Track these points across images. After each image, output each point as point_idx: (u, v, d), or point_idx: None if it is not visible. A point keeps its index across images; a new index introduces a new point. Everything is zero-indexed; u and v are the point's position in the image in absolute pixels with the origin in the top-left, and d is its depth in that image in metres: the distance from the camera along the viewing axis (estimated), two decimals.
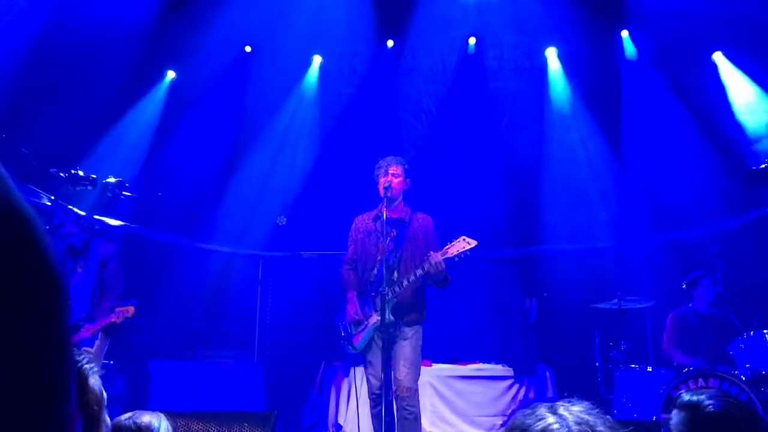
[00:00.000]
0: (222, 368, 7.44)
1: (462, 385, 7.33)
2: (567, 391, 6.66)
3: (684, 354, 5.91)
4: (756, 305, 5.68)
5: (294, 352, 8.20)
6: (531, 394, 7.30)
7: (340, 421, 7.22)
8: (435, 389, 7.14)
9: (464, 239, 4.85)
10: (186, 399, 6.83)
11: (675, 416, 1.94)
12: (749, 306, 5.89)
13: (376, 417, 5.08)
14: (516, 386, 7.33)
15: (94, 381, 1.60)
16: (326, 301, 6.86)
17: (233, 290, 8.34)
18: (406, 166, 5.26)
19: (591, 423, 1.21)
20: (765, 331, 5.26)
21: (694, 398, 1.97)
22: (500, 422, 7.20)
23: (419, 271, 4.86)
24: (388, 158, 5.25)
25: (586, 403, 1.29)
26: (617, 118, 8.01)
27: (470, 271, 8.12)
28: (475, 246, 4.79)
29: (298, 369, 7.97)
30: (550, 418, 1.22)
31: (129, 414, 2.36)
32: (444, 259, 4.81)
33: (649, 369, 5.71)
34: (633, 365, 5.86)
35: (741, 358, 5.34)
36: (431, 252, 4.84)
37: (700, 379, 5.22)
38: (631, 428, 1.32)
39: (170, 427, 2.39)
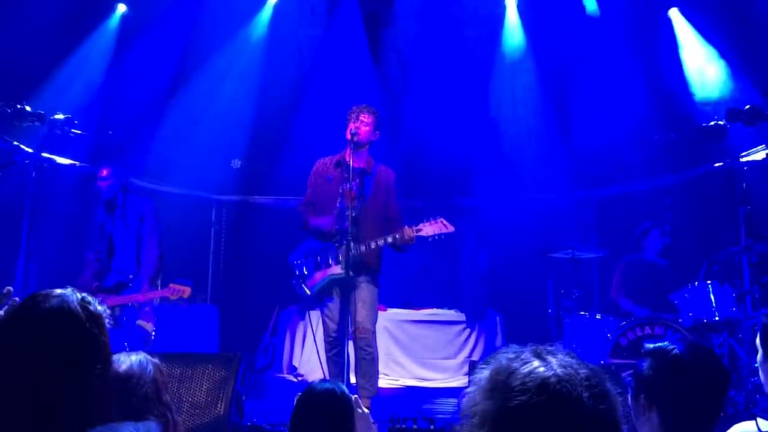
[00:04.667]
0: (175, 310, 7.39)
1: (415, 328, 7.53)
2: (516, 336, 6.88)
3: (632, 302, 6.17)
4: (702, 257, 5.91)
5: (248, 295, 8.21)
6: (481, 338, 7.54)
7: (295, 364, 7.34)
8: (389, 332, 7.30)
9: (442, 222, 4.95)
10: (140, 341, 6.77)
11: (641, 364, 2.04)
12: (695, 257, 6.15)
13: (331, 360, 5.16)
14: (467, 330, 7.56)
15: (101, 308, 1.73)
16: (280, 245, 6.83)
17: (186, 232, 8.21)
18: (378, 116, 5.18)
19: (575, 366, 1.25)
20: (708, 282, 5.52)
21: (659, 344, 2.08)
22: (448, 365, 7.42)
23: (389, 239, 4.92)
24: (362, 105, 5.17)
25: (565, 349, 1.33)
26: (570, 70, 8.05)
27: (424, 219, 8.18)
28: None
29: (251, 312, 7.99)
30: (536, 362, 1.24)
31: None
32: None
33: (598, 317, 5.93)
34: (582, 312, 6.09)
35: (684, 307, 5.59)
36: (406, 227, 4.93)
37: (647, 327, 5.49)
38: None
39: (153, 369, 2.31)
